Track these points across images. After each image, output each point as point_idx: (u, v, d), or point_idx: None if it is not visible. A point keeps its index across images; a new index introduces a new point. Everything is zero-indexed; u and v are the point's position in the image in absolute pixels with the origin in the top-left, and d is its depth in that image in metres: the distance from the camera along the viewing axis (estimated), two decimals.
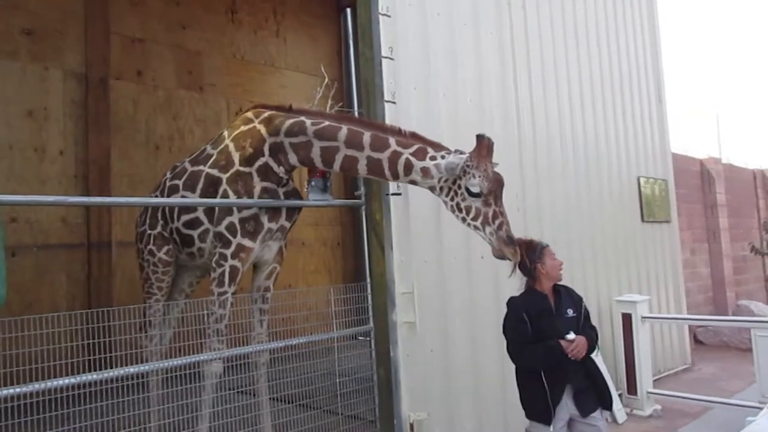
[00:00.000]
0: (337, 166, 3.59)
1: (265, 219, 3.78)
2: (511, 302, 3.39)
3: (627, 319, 5.91)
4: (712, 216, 11.02)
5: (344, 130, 3.52)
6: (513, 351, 3.29)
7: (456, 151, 3.40)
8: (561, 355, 3.12)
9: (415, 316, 3.95)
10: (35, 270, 6.29)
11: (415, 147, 3.42)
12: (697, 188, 11.00)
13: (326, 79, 4.16)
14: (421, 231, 4.18)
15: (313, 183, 3.99)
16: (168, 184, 4.23)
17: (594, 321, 6.00)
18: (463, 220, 3.33)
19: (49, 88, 6.57)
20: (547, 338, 3.16)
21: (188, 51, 7.79)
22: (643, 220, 7.10)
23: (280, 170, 3.76)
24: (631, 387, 5.86)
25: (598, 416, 3.26)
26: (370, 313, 4.12)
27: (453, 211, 3.37)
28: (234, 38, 8.27)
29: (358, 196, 4.28)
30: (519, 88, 5.37)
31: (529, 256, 3.31)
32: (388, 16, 4.13)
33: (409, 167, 3.40)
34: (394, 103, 4.07)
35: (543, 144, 5.60)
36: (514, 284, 4.93)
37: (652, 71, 7.75)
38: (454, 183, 3.31)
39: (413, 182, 3.50)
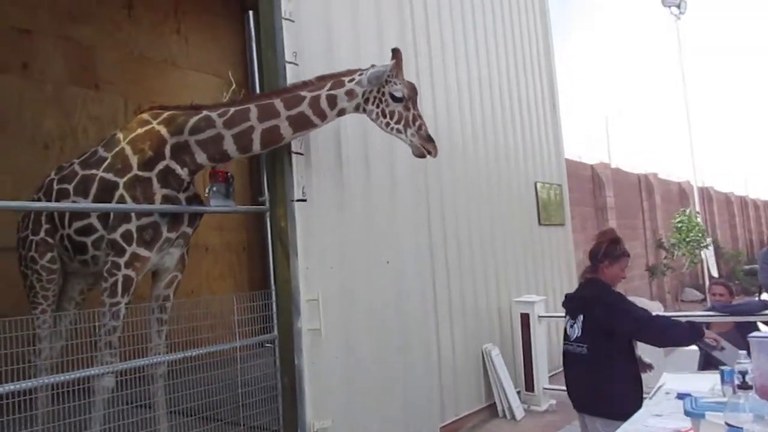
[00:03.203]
0: (256, 145, 3.63)
1: (164, 228, 3.63)
2: (612, 291, 3.38)
3: (525, 318, 6.18)
4: (602, 218, 11.75)
5: (253, 109, 3.58)
6: (655, 328, 3.24)
7: (371, 66, 3.75)
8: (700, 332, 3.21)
9: (320, 323, 3.94)
10: None
11: (330, 83, 3.70)
12: (589, 192, 11.70)
13: (233, 85, 4.08)
14: (326, 237, 4.18)
15: (214, 188, 3.87)
16: (56, 187, 3.95)
17: (494, 321, 6.29)
18: (387, 125, 3.71)
19: None
20: None
21: (81, 45, 7.33)
22: (540, 223, 7.46)
23: (184, 172, 3.64)
24: (529, 384, 6.14)
25: None
26: (275, 320, 4.07)
27: (377, 118, 3.73)
28: (131, 34, 7.88)
29: (262, 202, 4.21)
30: (423, 96, 5.45)
31: (607, 248, 3.38)
32: (292, 21, 4.09)
33: (332, 100, 3.67)
34: None
35: (446, 150, 5.74)
36: (417, 288, 5.06)
37: (547, 81, 8.15)
38: (378, 92, 3.69)
39: (341, 112, 3.76)
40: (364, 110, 3.76)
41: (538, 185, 7.51)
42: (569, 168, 8.95)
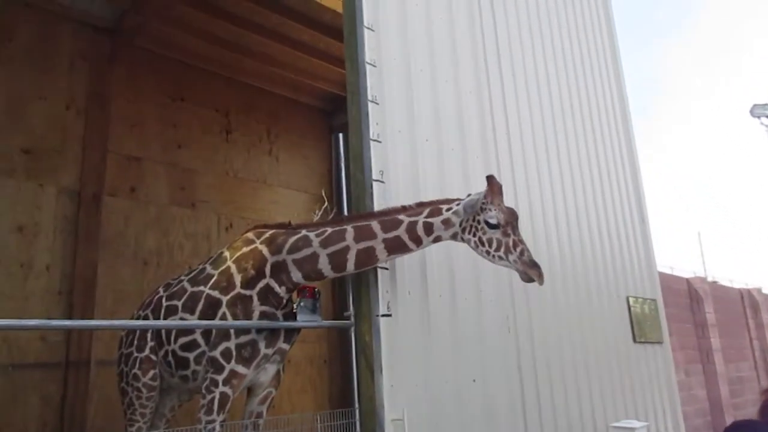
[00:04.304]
0: (350, 265, 3.66)
1: (262, 345, 3.70)
2: None
3: None
4: (703, 336, 10.94)
5: (350, 230, 3.65)
6: None
7: (468, 195, 3.72)
8: None
9: None
10: (8, 391, 6.01)
11: (427, 210, 3.71)
12: (686, 307, 11.01)
13: (326, 203, 4.27)
14: (411, 353, 4.08)
15: (302, 304, 3.94)
16: (165, 303, 4.15)
17: None
18: (487, 253, 3.62)
19: (42, 204, 6.62)
20: None
21: (183, 169, 7.97)
22: (635, 341, 7.01)
23: (282, 290, 3.75)
24: None
25: None
26: None
27: (476, 247, 3.64)
28: (228, 156, 8.50)
29: (347, 317, 4.22)
30: None
31: None
32: (379, 142, 4.29)
33: (429, 228, 3.66)
34: None
35: None
36: (506, 409, 4.79)
37: (634, 193, 7.99)
38: (474, 220, 3.64)
39: (437, 239, 3.73)
40: (462, 239, 3.71)
41: (631, 300, 7.15)
42: (662, 282, 8.50)
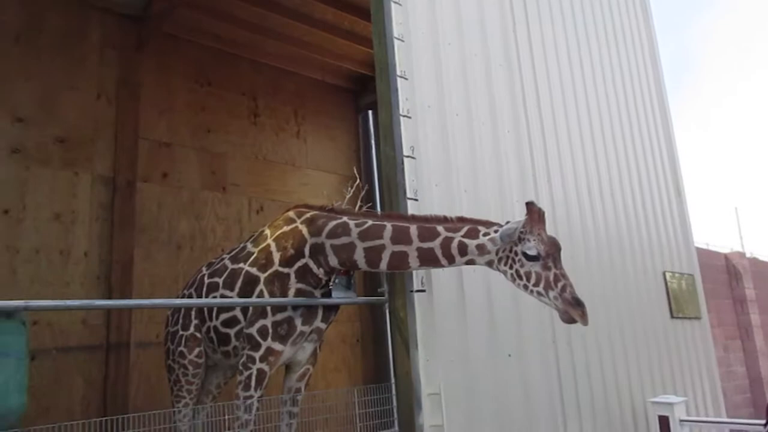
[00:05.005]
0: (383, 264, 3.57)
1: (298, 322, 3.72)
2: None
3: (664, 422, 5.58)
4: (742, 312, 10.70)
5: (389, 228, 3.55)
6: None
7: (507, 222, 3.46)
8: None
9: (442, 418, 3.77)
10: (53, 374, 6.18)
11: (465, 228, 3.48)
12: (724, 283, 10.78)
13: (357, 180, 4.24)
14: (446, 328, 4.08)
15: (337, 281, 3.95)
16: (207, 281, 4.21)
17: (628, 423, 5.75)
18: (525, 287, 3.32)
19: (78, 192, 6.74)
20: None
21: (213, 153, 8.03)
22: (672, 316, 6.89)
23: (320, 272, 3.73)
24: None
25: None
26: (395, 415, 3.95)
27: (513, 280, 3.37)
28: (256, 140, 8.54)
29: (381, 293, 4.22)
30: (539, 184, 5.41)
31: None
32: (409, 118, 4.25)
33: (463, 248, 3.43)
34: (416, 200, 4.11)
35: (565, 240, 5.51)
36: (542, 384, 4.76)
37: (670, 167, 7.82)
38: (510, 251, 3.35)
39: (470, 262, 3.51)
40: (498, 269, 3.44)
41: (668, 275, 7.02)
42: (700, 258, 8.32)
